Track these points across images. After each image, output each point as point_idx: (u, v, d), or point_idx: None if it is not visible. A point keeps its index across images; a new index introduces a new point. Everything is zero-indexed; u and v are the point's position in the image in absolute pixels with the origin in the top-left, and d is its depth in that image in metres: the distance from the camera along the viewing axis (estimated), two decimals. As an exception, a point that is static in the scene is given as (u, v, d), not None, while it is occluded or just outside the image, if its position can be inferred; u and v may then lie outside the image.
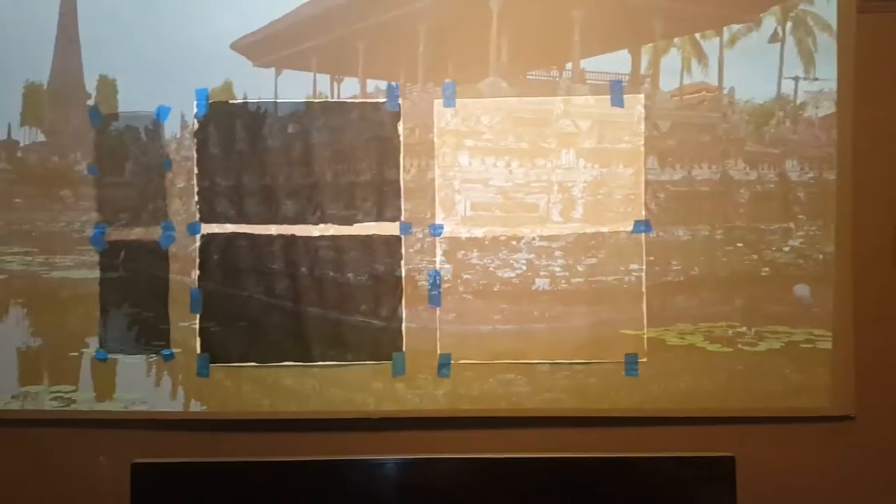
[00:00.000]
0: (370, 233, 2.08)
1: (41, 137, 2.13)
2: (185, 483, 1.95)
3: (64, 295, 2.11)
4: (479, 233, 2.08)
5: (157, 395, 2.11)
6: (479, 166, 2.07)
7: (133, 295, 2.11)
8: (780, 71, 2.09)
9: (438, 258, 2.08)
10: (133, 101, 2.10)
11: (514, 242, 2.07)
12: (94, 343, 2.11)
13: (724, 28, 2.08)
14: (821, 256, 2.07)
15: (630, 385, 2.07)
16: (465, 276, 2.08)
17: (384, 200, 2.08)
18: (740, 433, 2.08)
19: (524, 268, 2.07)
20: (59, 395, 2.11)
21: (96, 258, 2.11)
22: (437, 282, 2.08)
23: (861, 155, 2.08)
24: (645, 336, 2.07)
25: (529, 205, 2.07)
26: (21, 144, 2.12)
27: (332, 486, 1.95)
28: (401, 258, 2.08)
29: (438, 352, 2.07)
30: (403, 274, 2.08)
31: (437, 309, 2.07)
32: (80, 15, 2.09)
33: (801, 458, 2.08)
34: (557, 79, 2.08)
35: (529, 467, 1.94)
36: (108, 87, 2.10)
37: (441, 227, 2.08)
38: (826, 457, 2.09)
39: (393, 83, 2.09)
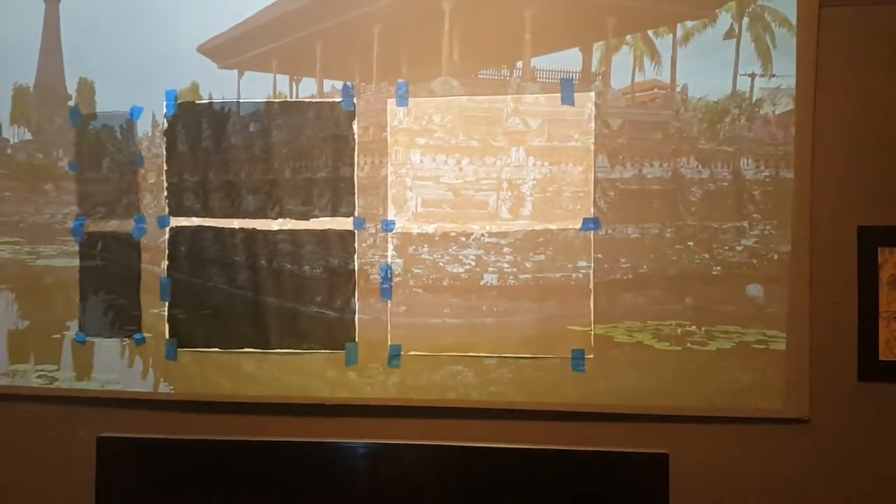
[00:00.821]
0: (325, 227, 2.00)
1: (28, 136, 2.12)
2: (146, 457, 1.94)
3: (48, 281, 2.11)
4: (429, 229, 1.97)
5: (129, 375, 2.08)
6: (431, 164, 1.96)
7: (109, 283, 2.09)
8: (735, 68, 1.90)
9: (390, 253, 1.99)
10: (109, 101, 2.07)
11: (463, 238, 1.96)
12: (74, 326, 2.10)
13: (678, 25, 1.92)
14: (775, 256, 1.90)
15: (576, 380, 1.93)
16: (416, 271, 1.98)
17: (339, 196, 2.00)
18: (689, 432, 1.91)
19: (473, 263, 1.96)
20: (44, 373, 2.11)
21: (76, 248, 2.09)
22: (389, 275, 1.99)
23: (820, 153, 1.90)
24: (592, 332, 1.93)
25: (479, 202, 1.95)
26: (10, 142, 2.13)
27: (286, 466, 1.89)
28: (354, 252, 1.99)
29: (389, 343, 1.98)
30: (356, 267, 1.99)
31: (389, 302, 1.98)
32: (63, 22, 2.08)
33: (753, 461, 1.90)
34: (508, 77, 1.95)
35: (468, 456, 1.85)
36: (87, 88, 2.08)
37: (393, 222, 1.99)
38: (779, 459, 1.91)
39: (348, 83, 2.00)
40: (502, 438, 1.90)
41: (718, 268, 1.91)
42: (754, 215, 1.90)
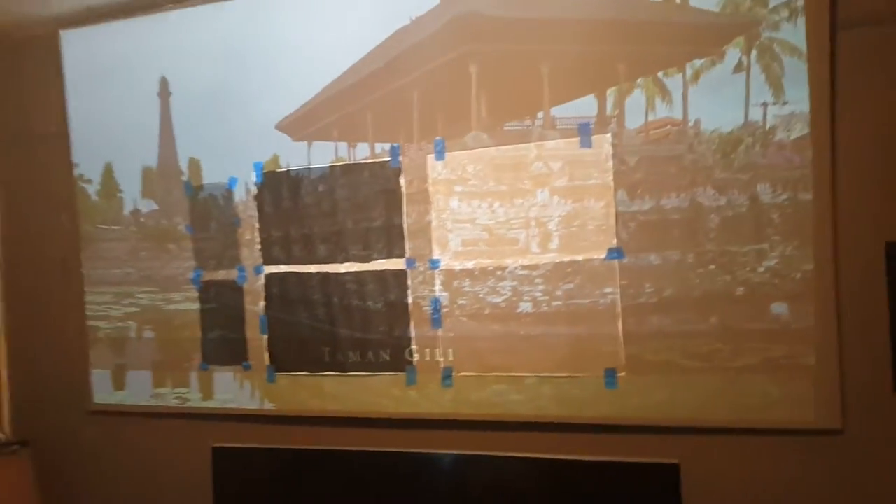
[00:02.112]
0: (383, 268, 2.04)
1: (155, 206, 2.32)
2: (253, 463, 2.06)
3: (177, 322, 2.30)
4: (469, 265, 1.96)
5: (241, 395, 2.23)
6: (467, 208, 1.95)
7: (221, 321, 2.24)
8: (746, 99, 1.76)
9: (437, 287, 1.99)
10: (212, 174, 2.23)
11: (499, 272, 1.93)
12: (198, 357, 2.28)
13: (687, 64, 1.82)
14: (798, 275, 1.73)
15: (611, 396, 1.83)
16: (461, 302, 1.97)
17: (392, 241, 2.03)
18: (721, 443, 1.78)
19: (509, 293, 1.92)
20: (179, 395, 2.31)
21: (196, 294, 2.27)
22: (438, 307, 2.00)
23: (842, 172, 1.71)
24: (623, 352, 1.84)
25: (511, 239, 1.91)
26: (143, 212, 2.34)
27: (361, 470, 1.96)
28: (408, 288, 2.02)
29: (442, 366, 2.00)
30: (410, 301, 2.02)
31: (439, 329, 1.99)
32: (173, 113, 2.26)
33: (787, 472, 1.73)
34: (531, 127, 1.89)
35: (507, 465, 1.82)
36: (195, 166, 2.25)
37: (438, 261, 2.00)
38: (815, 470, 1.73)
39: (395, 144, 2.02)
40: (543, 449, 1.85)
41: (742, 288, 1.77)
42: (774, 237, 1.74)
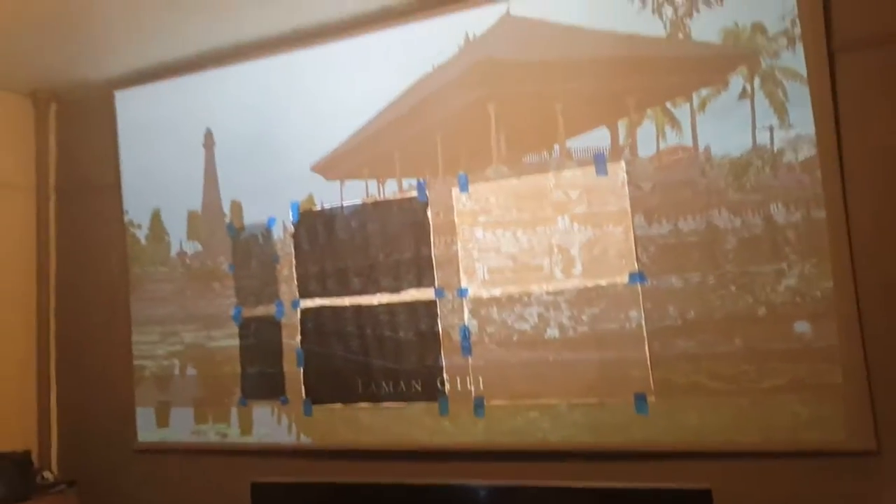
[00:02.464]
0: (413, 299, 2.17)
1: (199, 247, 2.52)
2: (290, 498, 2.18)
3: (219, 358, 2.44)
4: (496, 292, 2.07)
5: (278, 430, 2.34)
6: (492, 237, 2.08)
7: (260, 356, 2.38)
8: (753, 124, 1.89)
9: (466, 315, 2.10)
10: (252, 216, 2.43)
11: (525, 298, 2.03)
12: (238, 392, 2.41)
13: (693, 94, 1.96)
14: (819, 293, 1.80)
15: (641, 421, 1.89)
16: (489, 330, 2.07)
17: (422, 272, 2.16)
18: (754, 467, 1.81)
19: (536, 319, 2.02)
20: (219, 431, 2.43)
21: (236, 330, 2.43)
22: (467, 335, 2.09)
23: (853, 189, 1.80)
24: (651, 377, 1.90)
25: (535, 266, 2.03)
26: (188, 254, 2.54)
27: (397, 503, 2.06)
28: (437, 317, 2.14)
29: (473, 395, 2.07)
30: (440, 330, 2.13)
31: (469, 357, 2.09)
32: (217, 162, 2.49)
33: (822, 496, 1.74)
34: (548, 159, 2.04)
35: (534, 495, 1.91)
36: (237, 208, 2.45)
37: (466, 290, 2.11)
38: (851, 493, 1.75)
39: (421, 180, 2.19)
40: (577, 477, 1.90)
41: (763, 308, 1.83)
42: (791, 256, 1.82)
